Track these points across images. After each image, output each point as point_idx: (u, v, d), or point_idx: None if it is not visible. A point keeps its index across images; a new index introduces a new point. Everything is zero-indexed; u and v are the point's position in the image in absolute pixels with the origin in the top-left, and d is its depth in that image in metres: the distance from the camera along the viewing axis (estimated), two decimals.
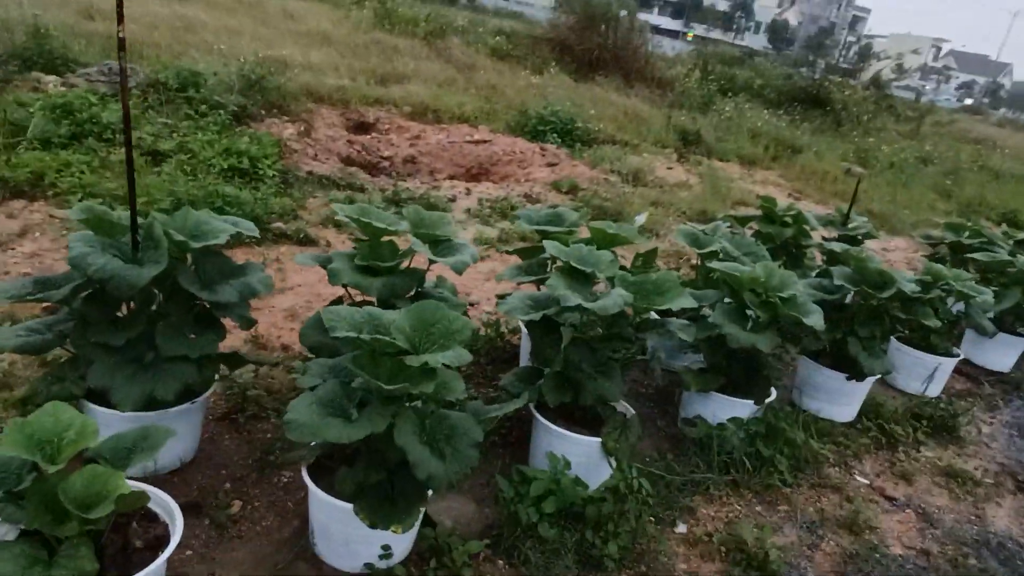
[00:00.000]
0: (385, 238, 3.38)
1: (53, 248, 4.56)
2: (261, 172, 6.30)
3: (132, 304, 2.75)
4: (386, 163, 9.28)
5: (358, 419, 2.34)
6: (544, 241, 3.39)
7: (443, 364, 2.39)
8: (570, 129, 10.89)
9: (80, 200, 5.11)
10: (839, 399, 4.39)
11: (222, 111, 7.37)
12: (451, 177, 9.35)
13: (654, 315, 3.60)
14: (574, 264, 3.21)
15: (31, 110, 6.12)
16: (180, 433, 2.86)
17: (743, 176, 11.31)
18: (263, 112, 8.35)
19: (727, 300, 3.76)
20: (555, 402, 3.12)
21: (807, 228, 5.33)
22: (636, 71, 16.00)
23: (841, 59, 39.69)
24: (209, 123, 7.03)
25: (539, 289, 3.79)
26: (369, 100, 10.49)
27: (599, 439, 3.11)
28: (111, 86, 7.26)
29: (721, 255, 4.22)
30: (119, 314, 2.67)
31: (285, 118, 8.67)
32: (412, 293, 3.40)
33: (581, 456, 3.15)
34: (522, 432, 3.57)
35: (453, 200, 7.34)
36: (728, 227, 5.27)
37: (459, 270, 3.22)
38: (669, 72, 16.95)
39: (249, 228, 3.08)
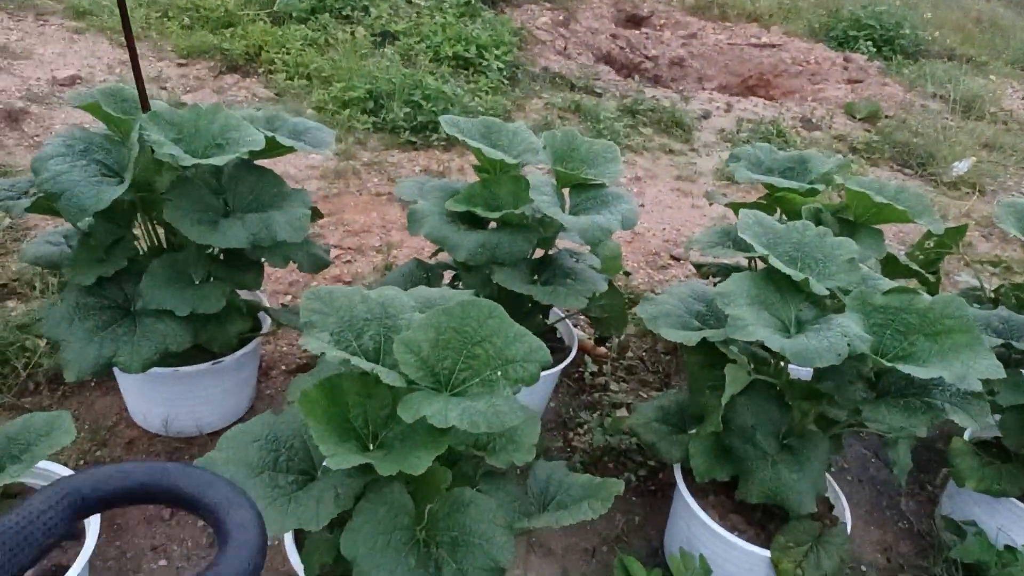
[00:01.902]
0: (512, 172, 2.23)
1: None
2: (486, 64, 5.34)
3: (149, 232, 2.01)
4: (649, 64, 7.77)
5: (297, 497, 1.35)
6: (740, 213, 1.98)
7: (465, 427, 1.29)
8: (892, 37, 8.27)
9: (286, 80, 4.63)
10: None
11: None
12: (722, 87, 7.60)
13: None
14: (777, 262, 1.79)
15: None
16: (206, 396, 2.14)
17: None
18: None
19: None
20: (703, 476, 1.85)
21: None
22: None
23: None
24: (452, 2, 6.17)
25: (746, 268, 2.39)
26: None
27: (767, 552, 1.80)
28: None
29: None
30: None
31: (547, 3, 7.54)
32: (533, 262, 2.25)
33: (735, 567, 1.88)
34: (670, 478, 2.35)
35: (706, 117, 5.76)
36: None
37: (591, 241, 1.99)
38: None
39: (319, 142, 2.13)
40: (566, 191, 2.28)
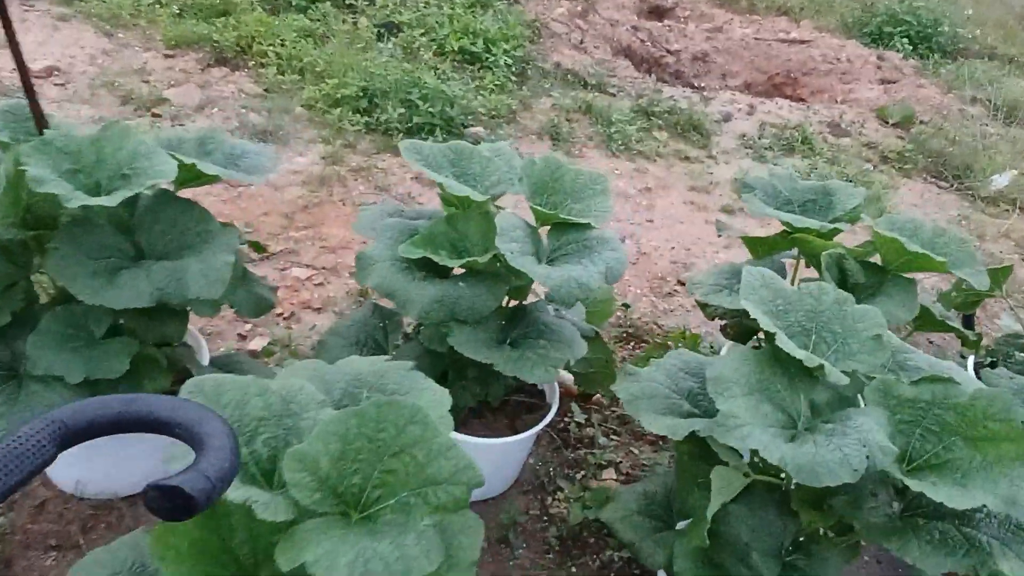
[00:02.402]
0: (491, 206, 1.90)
1: (223, 128, 3.82)
2: (493, 59, 4.98)
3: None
4: (670, 59, 7.32)
5: None
6: (744, 271, 1.63)
7: None
8: (929, 34, 7.72)
9: (277, 74, 4.32)
10: None
11: None
12: (747, 84, 7.15)
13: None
14: (786, 342, 1.45)
15: None
16: None
17: None
18: None
19: None
20: None
21: None
22: None
23: None
24: None
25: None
26: None
27: None
28: None
29: None
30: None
31: None
32: (504, 313, 1.93)
33: None
34: None
35: (727, 120, 5.35)
36: None
37: (565, 301, 1.66)
38: None
39: (256, 168, 1.82)
40: (546, 229, 1.95)
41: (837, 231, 2.16)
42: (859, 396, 1.57)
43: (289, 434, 1.21)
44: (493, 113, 4.42)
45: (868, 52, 7.36)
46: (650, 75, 6.70)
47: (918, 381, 1.49)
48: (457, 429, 2.09)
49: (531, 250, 1.79)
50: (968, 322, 3.01)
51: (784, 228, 2.28)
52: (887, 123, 5.81)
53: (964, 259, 2.10)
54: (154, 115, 3.80)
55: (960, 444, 1.42)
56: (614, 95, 5.30)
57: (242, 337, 2.61)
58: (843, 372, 1.50)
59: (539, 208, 1.90)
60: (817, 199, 2.35)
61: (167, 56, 4.34)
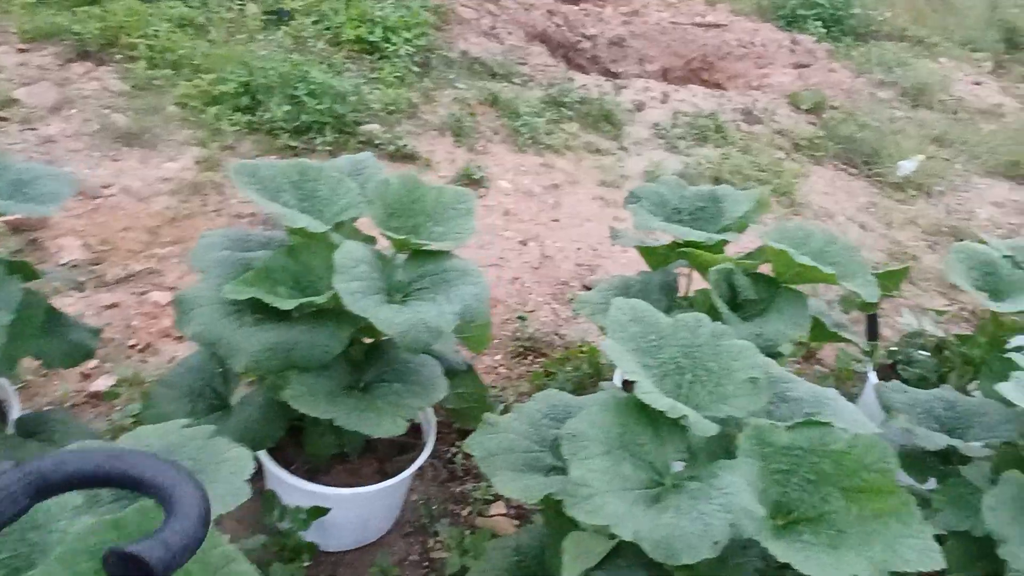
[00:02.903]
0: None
1: (81, 132, 3.46)
2: (392, 48, 4.71)
3: None
4: (587, 44, 7.17)
5: None
6: (612, 304, 1.47)
7: None
8: (841, 16, 7.79)
9: (148, 69, 3.95)
10: None
11: None
12: (664, 69, 7.07)
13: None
14: (650, 392, 1.30)
15: None
16: None
17: None
18: None
19: None
20: None
21: None
22: None
23: None
24: None
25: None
26: None
27: None
28: None
29: None
30: None
31: None
32: (359, 351, 1.72)
33: None
34: None
35: (639, 109, 5.23)
36: None
37: (412, 349, 1.46)
38: None
39: (50, 196, 1.56)
40: (403, 257, 1.75)
41: (724, 243, 2.04)
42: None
43: (33, 552, 0.99)
44: (391, 108, 4.17)
45: (782, 36, 7.37)
46: (566, 61, 6.54)
47: (794, 426, 1.36)
48: (318, 478, 1.90)
49: (380, 286, 1.59)
50: (873, 322, 2.96)
51: (676, 244, 2.15)
52: (799, 109, 5.81)
53: (854, 269, 2.00)
54: (0, 119, 3.41)
55: (837, 496, 1.30)
56: (524, 85, 5.11)
57: (85, 376, 2.33)
58: (714, 420, 1.36)
59: (392, 234, 1.70)
60: (707, 206, 2.22)
61: (21, 51, 3.92)
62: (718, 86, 6.74)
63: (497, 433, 1.46)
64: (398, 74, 4.54)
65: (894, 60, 7.09)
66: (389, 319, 1.46)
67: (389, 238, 1.70)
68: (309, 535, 1.85)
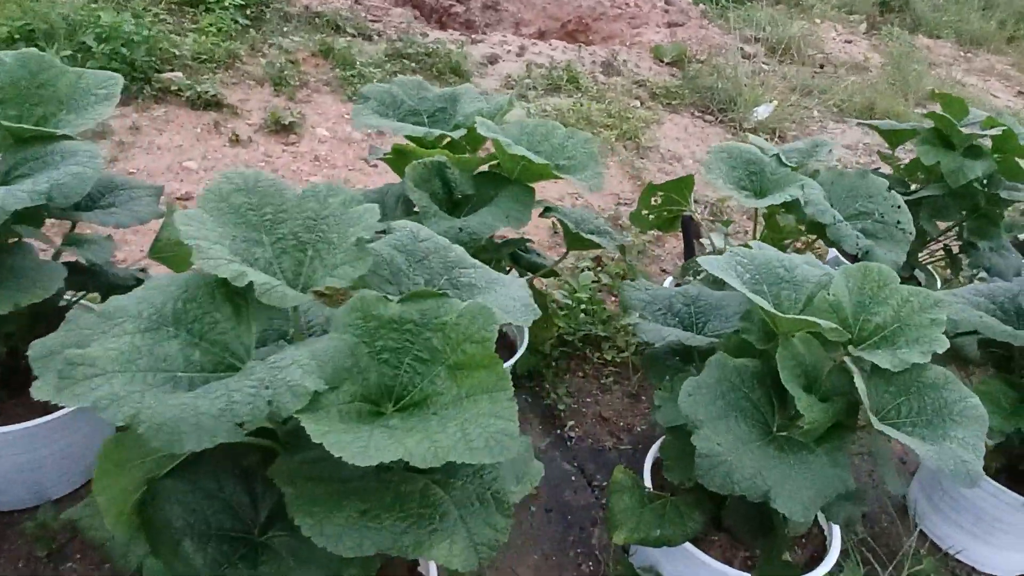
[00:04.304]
0: None
1: None
2: (217, 1, 4.36)
3: None
4: (459, 8, 6.92)
5: None
6: (221, 175, 1.22)
7: None
8: None
9: None
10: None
11: None
12: (540, 32, 6.87)
13: None
14: (207, 261, 1.05)
15: None
16: None
17: (955, 60, 7.69)
18: None
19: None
20: None
21: (1020, 164, 2.58)
22: None
23: None
24: None
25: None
26: None
27: None
28: None
29: (801, 219, 1.82)
30: None
31: None
32: None
33: None
34: None
35: (492, 62, 5.00)
36: (829, 154, 2.64)
37: None
38: None
39: None
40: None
41: (444, 138, 1.81)
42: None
43: None
44: (203, 58, 3.82)
45: None
46: (440, 26, 6.28)
47: (406, 298, 1.13)
48: None
49: None
50: (688, 241, 2.78)
51: (410, 145, 1.91)
52: (663, 61, 5.69)
53: (585, 161, 1.80)
54: None
55: (444, 375, 1.08)
56: (368, 39, 4.82)
57: None
58: (313, 291, 1.12)
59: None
60: (445, 107, 1.99)
61: None
62: (592, 45, 6.59)
63: None
64: (221, 26, 4.19)
65: (767, 20, 7.07)
66: None
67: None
68: None
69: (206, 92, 3.52)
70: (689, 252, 2.82)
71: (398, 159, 2.00)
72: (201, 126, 3.38)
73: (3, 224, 1.24)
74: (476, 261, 1.41)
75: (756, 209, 2.29)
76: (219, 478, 1.12)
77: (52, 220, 1.74)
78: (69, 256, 1.68)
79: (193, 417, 0.89)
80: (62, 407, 1.59)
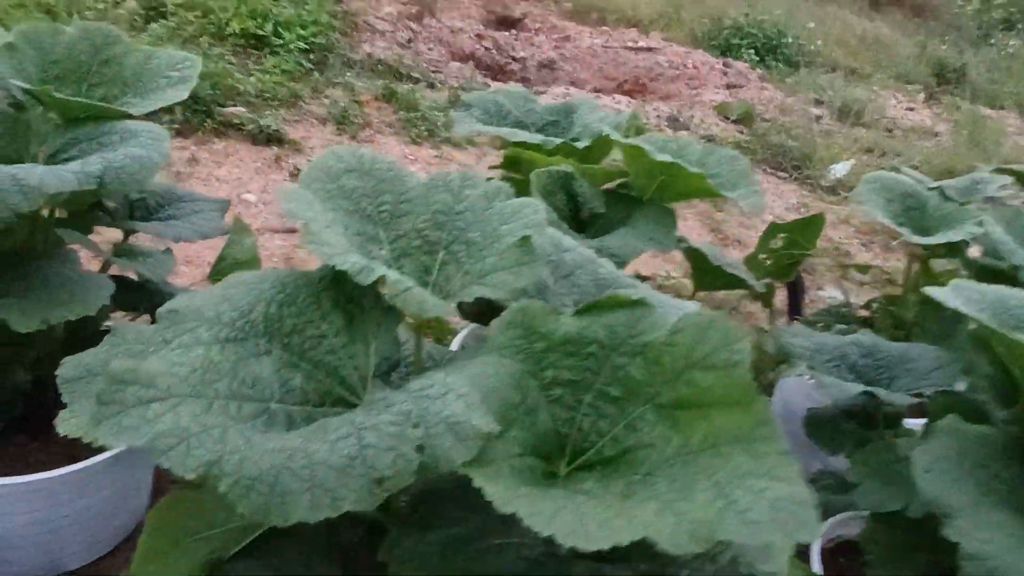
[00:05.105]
0: None
1: None
2: (282, 43, 4.25)
3: None
4: (516, 66, 6.85)
5: None
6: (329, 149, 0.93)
7: None
8: (775, 45, 7.64)
9: None
10: None
11: None
12: (595, 90, 6.75)
13: None
14: (317, 246, 0.74)
15: None
16: None
17: (1020, 131, 7.39)
18: None
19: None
20: None
21: None
22: None
23: None
24: None
25: None
26: None
27: None
28: None
29: (984, 262, 1.46)
30: None
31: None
32: None
33: None
34: None
35: None
36: (1000, 189, 2.29)
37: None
38: None
39: None
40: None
41: (569, 149, 1.52)
42: None
43: None
44: (266, 95, 3.67)
45: (715, 60, 7.14)
46: (495, 81, 6.18)
47: (585, 309, 0.80)
48: None
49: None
50: (794, 294, 2.47)
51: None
52: (728, 118, 5.47)
53: (735, 179, 1.49)
54: None
55: (651, 418, 0.73)
56: (432, 86, 4.68)
57: None
58: (460, 301, 0.80)
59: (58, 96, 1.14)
60: (559, 120, 1.71)
61: None
62: (636, 99, 6.43)
63: None
64: (285, 67, 4.07)
65: (827, 85, 6.89)
66: None
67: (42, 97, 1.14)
68: None
69: (268, 127, 3.33)
70: (795, 309, 2.48)
71: (510, 168, 1.71)
72: (262, 160, 3.18)
73: (43, 220, 0.94)
74: (634, 280, 1.08)
75: (910, 252, 1.95)
76: (311, 561, 0.77)
77: (101, 228, 1.46)
78: (118, 271, 1.40)
79: (305, 469, 0.56)
80: (94, 453, 1.26)
